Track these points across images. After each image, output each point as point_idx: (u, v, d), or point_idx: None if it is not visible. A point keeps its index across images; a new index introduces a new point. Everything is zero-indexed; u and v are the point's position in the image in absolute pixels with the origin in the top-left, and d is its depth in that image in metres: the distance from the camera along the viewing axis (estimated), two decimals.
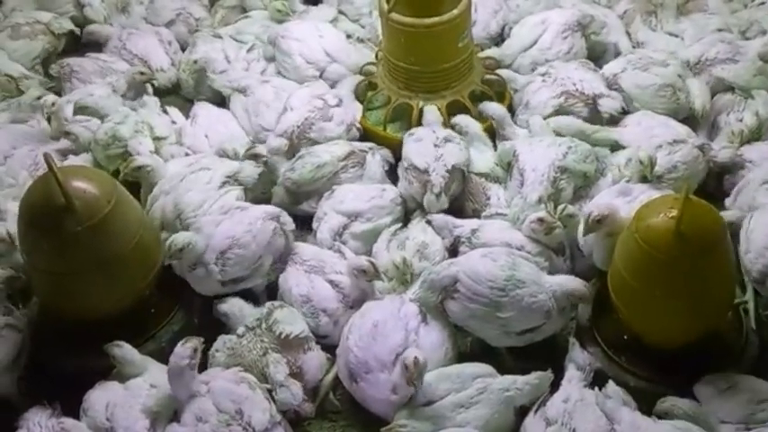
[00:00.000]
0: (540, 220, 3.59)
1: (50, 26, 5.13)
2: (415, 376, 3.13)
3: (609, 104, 4.20)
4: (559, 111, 4.23)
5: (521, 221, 3.69)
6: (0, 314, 3.53)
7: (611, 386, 3.21)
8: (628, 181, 3.77)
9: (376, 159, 4.14)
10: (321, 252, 3.76)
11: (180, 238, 3.56)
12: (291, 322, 3.46)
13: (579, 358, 3.31)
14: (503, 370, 3.31)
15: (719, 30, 4.64)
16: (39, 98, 4.71)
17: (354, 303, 3.55)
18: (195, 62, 4.78)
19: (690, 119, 4.25)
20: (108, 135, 4.21)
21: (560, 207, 3.70)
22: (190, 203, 3.85)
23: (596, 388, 3.22)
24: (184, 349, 3.21)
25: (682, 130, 4.09)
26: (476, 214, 3.95)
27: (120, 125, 4.24)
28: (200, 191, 3.90)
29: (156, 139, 4.33)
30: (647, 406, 3.19)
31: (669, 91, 4.24)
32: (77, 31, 5.18)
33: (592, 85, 4.26)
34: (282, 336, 3.41)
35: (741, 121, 4.14)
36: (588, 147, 3.97)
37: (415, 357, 3.13)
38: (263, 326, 3.45)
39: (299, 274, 3.67)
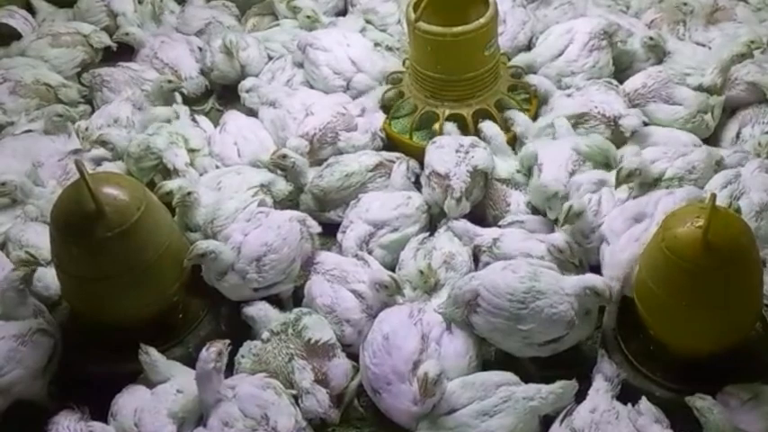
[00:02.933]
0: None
1: (90, 39, 5.19)
2: (422, 391, 3.13)
3: (629, 122, 4.15)
4: (579, 114, 4.25)
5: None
6: (32, 317, 3.53)
7: (643, 402, 3.19)
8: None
9: (401, 169, 4.12)
10: (344, 261, 3.77)
11: (203, 244, 3.57)
12: (320, 329, 3.49)
13: (607, 369, 3.29)
14: (527, 378, 3.30)
15: (751, 41, 4.61)
16: (76, 104, 4.78)
17: (377, 313, 3.54)
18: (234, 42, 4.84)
19: (709, 140, 4.25)
20: (141, 148, 4.23)
21: (566, 205, 3.65)
22: (224, 212, 3.90)
23: (629, 404, 3.20)
24: (209, 353, 3.23)
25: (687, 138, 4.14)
26: (496, 221, 3.96)
27: (155, 136, 4.27)
28: (235, 200, 3.94)
29: (191, 150, 4.35)
30: (672, 416, 3.16)
31: (698, 120, 4.25)
32: (114, 46, 5.22)
33: (612, 106, 4.25)
34: (311, 342, 3.44)
35: (767, 133, 4.13)
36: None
37: (425, 373, 3.12)
38: (290, 331, 3.47)
39: (323, 284, 3.69)
